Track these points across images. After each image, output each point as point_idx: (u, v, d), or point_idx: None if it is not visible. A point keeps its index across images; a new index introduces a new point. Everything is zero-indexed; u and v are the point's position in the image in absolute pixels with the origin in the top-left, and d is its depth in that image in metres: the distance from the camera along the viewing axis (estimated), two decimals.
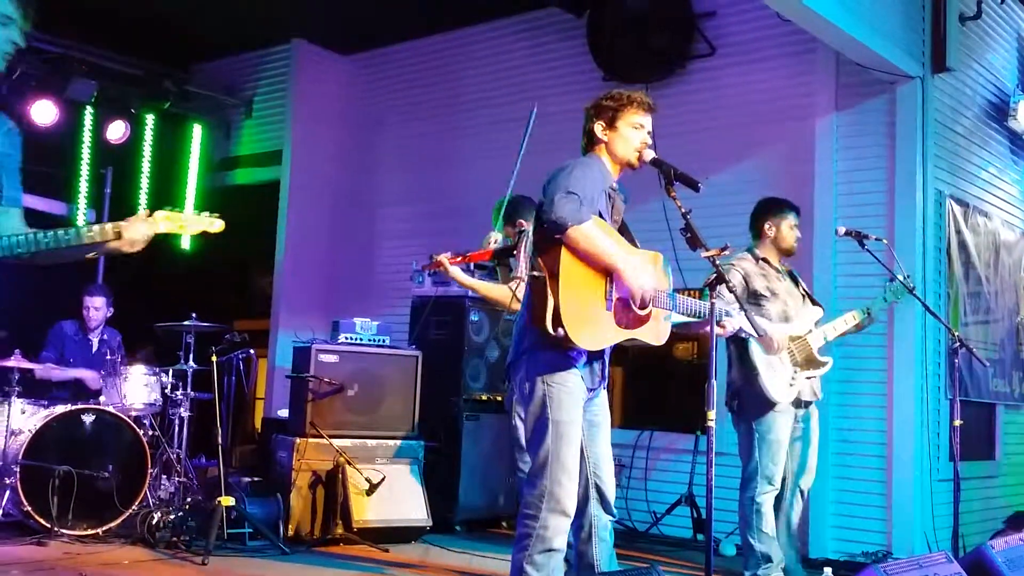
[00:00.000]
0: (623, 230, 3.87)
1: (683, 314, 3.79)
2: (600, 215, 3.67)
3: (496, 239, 5.42)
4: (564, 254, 3.49)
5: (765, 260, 5.27)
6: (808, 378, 5.13)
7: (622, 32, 7.71)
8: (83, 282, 7.28)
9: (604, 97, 3.84)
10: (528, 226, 5.20)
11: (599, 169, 3.75)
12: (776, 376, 4.99)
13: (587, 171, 3.66)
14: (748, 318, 3.77)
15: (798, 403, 5.12)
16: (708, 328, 3.61)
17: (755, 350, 4.98)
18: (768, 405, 5.00)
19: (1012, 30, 7.88)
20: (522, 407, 3.74)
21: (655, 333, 3.74)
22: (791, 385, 5.04)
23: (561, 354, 3.58)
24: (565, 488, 3.58)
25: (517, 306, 4.93)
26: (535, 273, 3.58)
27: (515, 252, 5.28)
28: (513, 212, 5.40)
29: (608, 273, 3.57)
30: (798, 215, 5.36)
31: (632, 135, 3.77)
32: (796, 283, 5.36)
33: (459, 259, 5.25)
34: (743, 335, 4.83)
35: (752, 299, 5.12)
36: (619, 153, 3.78)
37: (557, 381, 3.60)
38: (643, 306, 3.61)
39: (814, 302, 5.35)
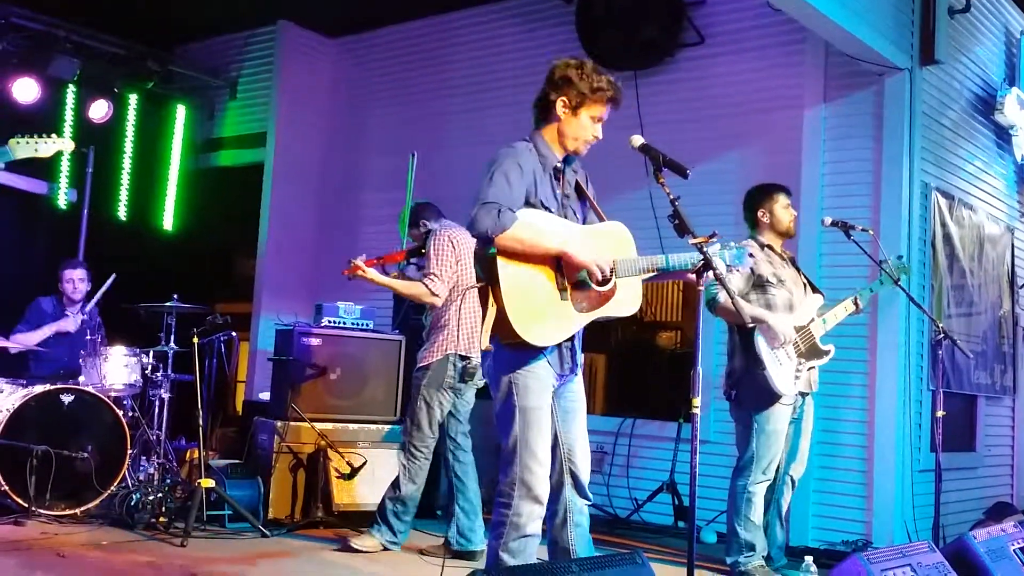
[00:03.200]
0: (583, 198, 3.81)
1: (673, 267, 3.68)
2: (543, 203, 3.60)
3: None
4: (500, 260, 3.46)
5: (769, 247, 5.25)
6: (810, 368, 5.12)
7: (611, 20, 7.67)
8: (58, 260, 7.21)
9: (579, 70, 3.68)
10: (432, 224, 5.61)
11: (530, 155, 3.63)
12: (783, 369, 4.98)
13: (511, 168, 3.54)
14: (742, 308, 3.71)
15: (798, 393, 5.12)
16: (689, 276, 3.55)
17: (761, 343, 4.97)
18: (773, 398, 4.99)
19: (1000, 24, 7.89)
20: (492, 394, 3.72)
21: (623, 304, 3.68)
22: (797, 378, 5.03)
23: (523, 349, 3.53)
24: (536, 474, 3.56)
25: (432, 300, 5.36)
26: (477, 285, 3.58)
27: (423, 251, 5.57)
28: (415, 216, 5.74)
29: (555, 262, 3.51)
30: (788, 195, 5.34)
31: (589, 127, 3.69)
32: (798, 270, 5.34)
33: (375, 261, 5.46)
34: (749, 325, 4.80)
35: (758, 286, 5.09)
36: (569, 139, 3.69)
37: (524, 369, 3.57)
38: (604, 280, 3.53)
39: (815, 289, 5.34)
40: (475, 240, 3.54)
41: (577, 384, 3.78)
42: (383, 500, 5.50)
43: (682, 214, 3.52)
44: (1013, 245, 7.95)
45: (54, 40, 8.40)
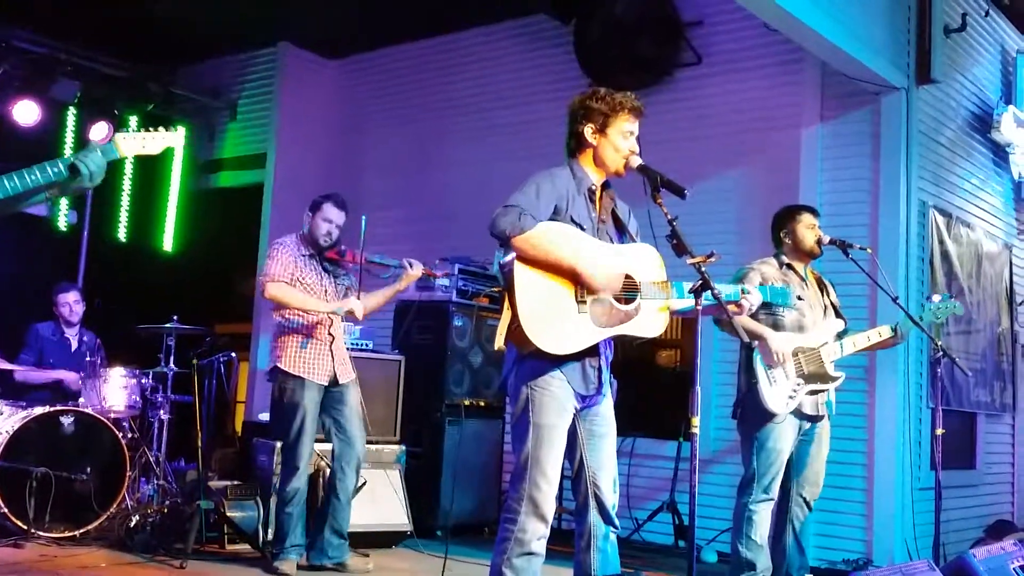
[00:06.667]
0: (618, 225, 3.84)
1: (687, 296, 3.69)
2: (574, 220, 3.63)
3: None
4: (517, 265, 3.49)
5: (789, 266, 5.23)
6: (813, 392, 5.06)
7: (609, 40, 7.71)
8: (58, 281, 7.22)
9: (593, 98, 3.78)
10: None
11: (566, 176, 3.70)
12: (775, 388, 4.95)
13: (543, 182, 3.61)
14: (737, 327, 3.71)
15: (803, 416, 5.08)
16: (729, 307, 3.59)
17: (757, 360, 4.96)
18: (767, 416, 4.97)
19: (996, 42, 7.94)
20: (509, 412, 3.73)
21: (646, 326, 3.67)
22: (791, 398, 4.99)
23: (542, 361, 3.56)
24: (543, 492, 3.55)
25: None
26: (494, 290, 3.61)
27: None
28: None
29: (572, 274, 3.53)
30: (815, 215, 5.32)
31: (621, 143, 3.74)
32: (823, 292, 5.31)
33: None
34: (746, 341, 4.78)
35: (766, 305, 5.06)
36: (607, 160, 3.75)
37: (540, 385, 3.58)
38: (596, 293, 3.53)
39: (838, 314, 5.30)
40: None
41: (606, 408, 3.75)
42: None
43: (680, 234, 3.52)
44: (1011, 262, 7.97)
45: (55, 63, 8.45)
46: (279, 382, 5.39)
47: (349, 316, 5.44)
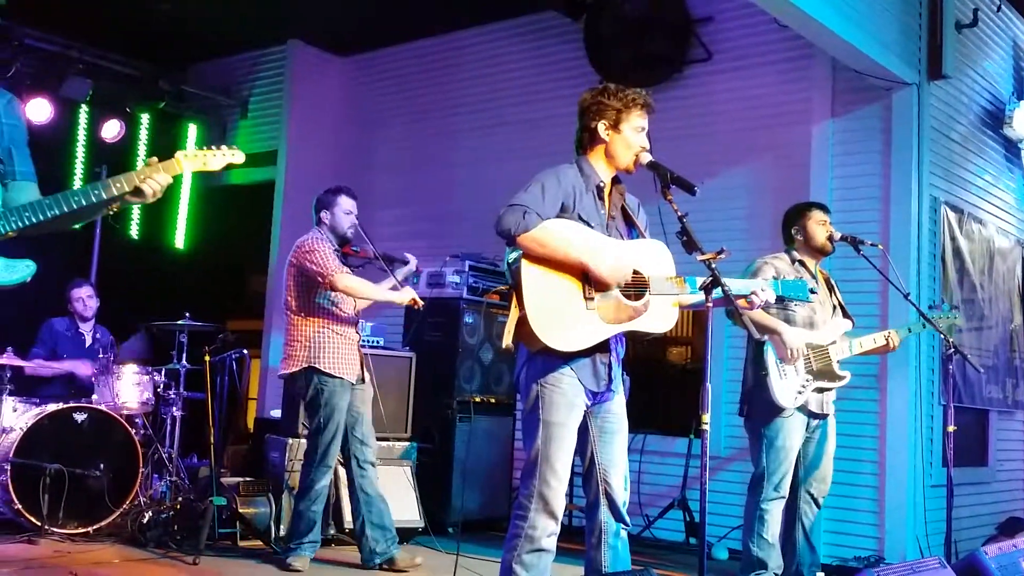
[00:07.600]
0: (628, 221, 3.84)
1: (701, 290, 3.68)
2: (581, 217, 3.63)
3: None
4: (524, 263, 3.49)
5: (802, 263, 5.23)
6: (820, 390, 5.06)
7: (619, 37, 7.71)
8: (71, 278, 7.25)
9: (605, 94, 3.77)
10: None
11: (573, 173, 3.70)
12: (785, 382, 4.94)
13: (548, 180, 3.61)
14: (749, 324, 3.70)
15: (809, 413, 5.08)
16: (739, 302, 3.60)
17: (769, 353, 4.95)
18: (775, 410, 4.96)
19: (1008, 38, 7.91)
20: (521, 409, 3.73)
21: (656, 321, 3.66)
22: (800, 393, 4.99)
23: (553, 357, 3.57)
24: (553, 489, 3.56)
25: None
26: (502, 288, 3.60)
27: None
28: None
29: (581, 271, 3.53)
30: (825, 211, 5.31)
31: (634, 139, 3.74)
32: (831, 291, 5.31)
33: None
34: (757, 338, 4.78)
35: (779, 300, 5.05)
36: (618, 156, 3.74)
37: (550, 382, 3.58)
38: (608, 287, 3.52)
39: (845, 314, 5.29)
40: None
41: (618, 405, 3.74)
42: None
43: (690, 230, 3.52)
44: (1023, 258, 7.94)
45: (67, 61, 8.49)
46: (316, 383, 5.37)
47: (411, 303, 5.45)
